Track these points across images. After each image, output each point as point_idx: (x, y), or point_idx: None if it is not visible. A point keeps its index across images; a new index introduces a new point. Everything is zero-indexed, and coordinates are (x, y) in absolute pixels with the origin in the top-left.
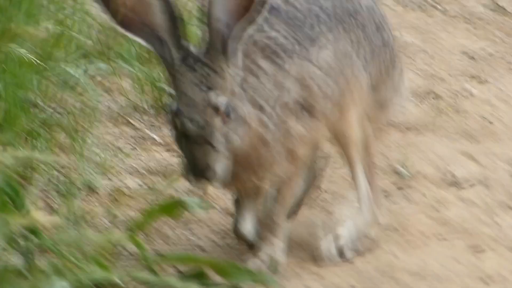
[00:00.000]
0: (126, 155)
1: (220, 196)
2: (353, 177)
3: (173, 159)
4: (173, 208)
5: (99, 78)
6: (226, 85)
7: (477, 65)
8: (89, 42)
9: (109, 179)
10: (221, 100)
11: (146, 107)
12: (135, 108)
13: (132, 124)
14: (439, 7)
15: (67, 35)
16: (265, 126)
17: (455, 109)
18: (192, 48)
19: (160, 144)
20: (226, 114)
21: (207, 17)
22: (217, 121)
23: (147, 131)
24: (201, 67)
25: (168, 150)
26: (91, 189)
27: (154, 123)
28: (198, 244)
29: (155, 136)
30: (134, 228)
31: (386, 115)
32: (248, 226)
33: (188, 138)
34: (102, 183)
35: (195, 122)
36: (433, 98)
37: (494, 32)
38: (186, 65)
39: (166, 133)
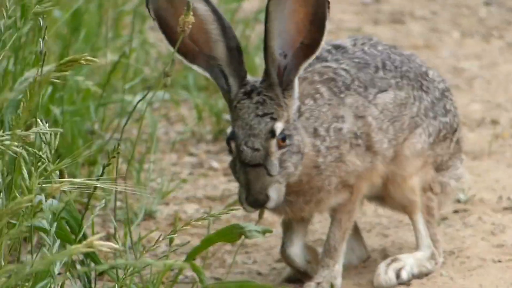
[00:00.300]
0: (184, 182)
1: (277, 221)
2: (413, 224)
3: (230, 185)
4: (231, 233)
5: (156, 105)
6: (282, 112)
7: None
8: (147, 70)
9: (167, 205)
10: (277, 125)
11: (204, 134)
12: (193, 135)
13: (190, 151)
14: (496, 34)
15: (125, 63)
16: (318, 150)
17: None
18: (250, 78)
19: (217, 170)
20: (282, 140)
21: (264, 48)
22: (272, 146)
23: (205, 158)
24: (258, 94)
25: (225, 176)
26: (150, 215)
27: (212, 149)
28: (256, 269)
29: (213, 163)
30: (192, 254)
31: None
32: (296, 250)
33: (243, 163)
34: (160, 210)
35: (250, 147)
36: (490, 124)
37: None
38: (243, 93)
39: (224, 160)
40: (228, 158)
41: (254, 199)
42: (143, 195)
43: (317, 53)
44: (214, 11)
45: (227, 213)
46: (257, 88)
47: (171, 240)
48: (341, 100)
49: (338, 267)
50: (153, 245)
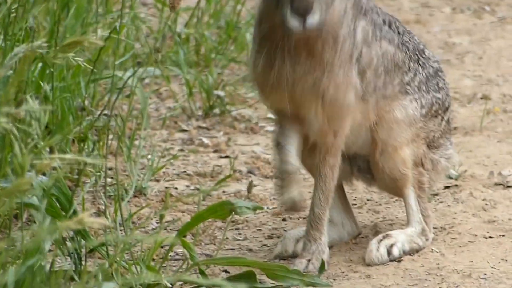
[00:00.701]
0: (175, 158)
1: (267, 197)
2: (404, 199)
3: (221, 161)
4: (221, 209)
5: (147, 81)
6: None
7: None
8: (138, 46)
9: (158, 181)
10: None
11: (194, 110)
12: (184, 111)
13: (180, 127)
14: (488, 9)
15: (116, 38)
16: (341, 23)
17: (503, 110)
18: None
19: (208, 146)
20: None
21: None
22: None
23: (196, 134)
24: None
25: (216, 152)
26: (140, 191)
27: (202, 126)
28: (246, 245)
29: (203, 139)
30: (183, 231)
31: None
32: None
33: None
34: (151, 186)
35: None
36: (481, 99)
37: None
38: None
39: (214, 135)
40: (218, 134)
41: (302, 8)
42: (133, 172)
43: None
44: None
45: (217, 190)
46: None
47: (161, 217)
48: (358, 16)
49: (324, 239)
50: (143, 221)
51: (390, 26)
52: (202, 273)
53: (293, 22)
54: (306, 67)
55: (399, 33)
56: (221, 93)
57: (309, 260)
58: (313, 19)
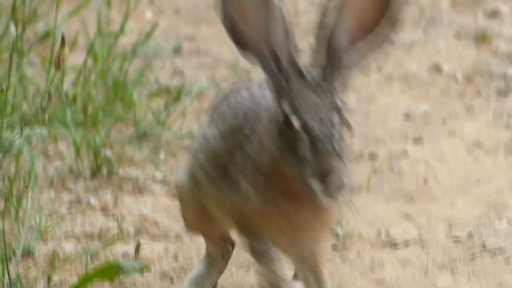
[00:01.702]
0: (62, 219)
1: (156, 259)
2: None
3: (108, 221)
4: (109, 270)
5: (35, 141)
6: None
7: (412, 124)
8: (26, 105)
9: (45, 242)
10: (348, 115)
11: (82, 170)
12: (71, 171)
13: (68, 187)
14: (375, 66)
15: (2, 99)
16: None
17: (390, 169)
18: (308, 67)
19: (95, 207)
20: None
21: (323, 35)
22: (346, 137)
23: (83, 194)
24: (321, 85)
25: (103, 212)
26: (28, 253)
27: (90, 186)
28: None
29: (91, 199)
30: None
31: None
32: None
33: (317, 151)
34: (39, 247)
35: (328, 138)
36: (368, 158)
37: (430, 91)
38: (305, 84)
39: (102, 196)
40: (105, 194)
41: (333, 185)
42: (21, 232)
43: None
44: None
45: (104, 251)
46: (318, 79)
47: (49, 278)
48: None
49: None
50: (31, 283)
51: None
52: None
53: (324, 201)
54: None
55: None
56: (109, 153)
57: None
58: (345, 196)
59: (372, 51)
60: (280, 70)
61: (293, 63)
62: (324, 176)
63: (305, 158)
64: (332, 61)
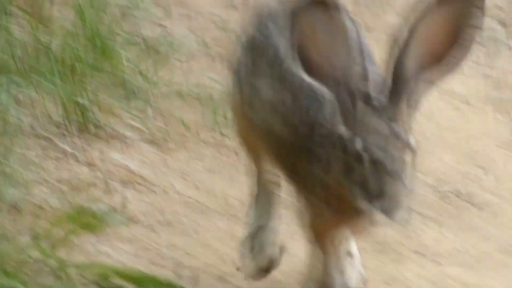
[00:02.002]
0: (48, 173)
1: (142, 213)
2: None
3: (95, 177)
4: (94, 223)
5: (20, 96)
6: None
7: None
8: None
9: (31, 196)
10: (412, 138)
11: (68, 127)
12: (58, 127)
13: (55, 143)
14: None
15: None
16: None
17: None
18: (375, 93)
19: (82, 163)
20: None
21: (394, 61)
22: (408, 158)
23: (70, 151)
24: (387, 111)
25: (90, 169)
26: (14, 207)
27: (77, 142)
28: (120, 259)
29: (77, 155)
30: (39, 235)
31: None
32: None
33: (377, 172)
34: (24, 201)
35: (390, 158)
36: None
37: None
38: (371, 109)
39: (88, 152)
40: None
41: (393, 208)
42: (7, 187)
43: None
44: None
45: (90, 204)
46: (384, 102)
47: (34, 231)
48: None
49: None
50: (16, 236)
51: None
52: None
53: (380, 219)
54: None
55: None
56: (96, 109)
57: None
58: (402, 213)
59: (441, 78)
60: (348, 93)
61: (362, 87)
62: (382, 196)
63: (365, 179)
64: (399, 87)
